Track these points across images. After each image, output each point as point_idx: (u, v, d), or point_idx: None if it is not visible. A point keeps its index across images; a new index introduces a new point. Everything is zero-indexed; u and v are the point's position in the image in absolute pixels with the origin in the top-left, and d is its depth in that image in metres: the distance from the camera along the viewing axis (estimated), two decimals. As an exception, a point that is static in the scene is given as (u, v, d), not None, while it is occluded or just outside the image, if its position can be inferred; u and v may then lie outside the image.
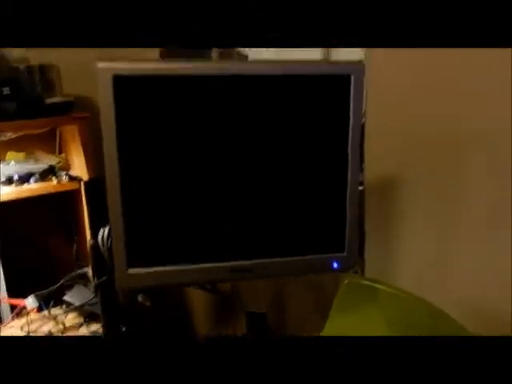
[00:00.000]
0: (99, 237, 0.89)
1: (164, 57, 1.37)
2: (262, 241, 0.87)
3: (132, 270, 0.81)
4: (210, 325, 1.50)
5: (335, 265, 0.89)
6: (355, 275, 1.10)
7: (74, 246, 1.45)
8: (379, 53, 1.20)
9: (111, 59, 0.70)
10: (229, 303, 1.33)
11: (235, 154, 0.80)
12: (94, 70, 0.67)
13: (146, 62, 0.71)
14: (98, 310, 1.06)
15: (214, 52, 1.77)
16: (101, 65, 0.68)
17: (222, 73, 0.74)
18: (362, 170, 1.21)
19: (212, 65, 0.78)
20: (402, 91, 1.20)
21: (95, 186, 1.01)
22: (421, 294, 0.92)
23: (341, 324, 0.88)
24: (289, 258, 0.87)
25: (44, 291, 1.27)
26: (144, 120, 0.75)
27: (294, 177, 0.85)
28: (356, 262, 1.00)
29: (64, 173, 1.30)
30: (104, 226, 0.88)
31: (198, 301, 1.51)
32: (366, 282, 0.98)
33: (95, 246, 0.91)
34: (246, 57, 2.14)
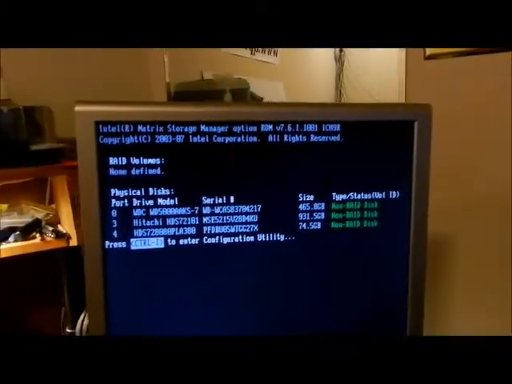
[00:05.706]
0: (78, 326, 0.69)
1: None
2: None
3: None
4: None
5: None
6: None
7: (62, 315, 1.24)
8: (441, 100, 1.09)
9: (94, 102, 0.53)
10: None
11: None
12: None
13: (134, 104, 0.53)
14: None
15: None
16: (78, 108, 0.51)
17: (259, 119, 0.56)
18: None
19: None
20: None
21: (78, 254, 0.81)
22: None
23: None
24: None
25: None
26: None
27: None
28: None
29: (51, 228, 1.11)
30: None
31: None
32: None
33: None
34: (262, 99, 1.98)
